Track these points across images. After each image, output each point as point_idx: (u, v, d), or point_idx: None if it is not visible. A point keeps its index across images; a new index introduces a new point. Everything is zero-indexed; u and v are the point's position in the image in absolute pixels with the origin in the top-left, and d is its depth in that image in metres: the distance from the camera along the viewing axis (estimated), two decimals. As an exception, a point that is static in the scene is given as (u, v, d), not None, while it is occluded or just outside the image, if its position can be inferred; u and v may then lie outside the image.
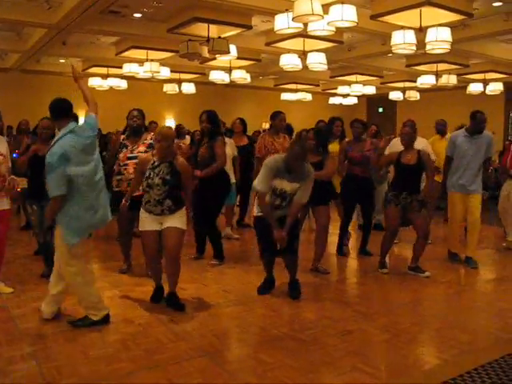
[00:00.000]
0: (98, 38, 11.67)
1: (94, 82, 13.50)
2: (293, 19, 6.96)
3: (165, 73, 12.58)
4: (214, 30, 8.89)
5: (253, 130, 12.40)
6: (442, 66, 12.29)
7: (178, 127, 10.39)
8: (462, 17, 8.10)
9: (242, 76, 12.77)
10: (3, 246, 5.06)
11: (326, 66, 10.64)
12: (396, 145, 6.25)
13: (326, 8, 6.97)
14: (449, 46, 8.41)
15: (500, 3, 8.73)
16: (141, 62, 11.88)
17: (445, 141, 8.04)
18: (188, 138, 10.10)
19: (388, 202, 5.81)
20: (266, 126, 14.79)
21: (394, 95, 16.27)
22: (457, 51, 10.70)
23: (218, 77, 12.76)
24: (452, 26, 8.32)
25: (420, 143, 6.45)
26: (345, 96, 17.15)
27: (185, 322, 4.27)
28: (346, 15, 7.00)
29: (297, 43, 9.71)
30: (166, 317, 4.37)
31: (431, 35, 8.09)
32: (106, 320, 4.18)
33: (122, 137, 5.72)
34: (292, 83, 16.16)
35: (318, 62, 10.22)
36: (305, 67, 10.71)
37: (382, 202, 6.23)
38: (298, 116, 15.48)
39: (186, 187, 4.65)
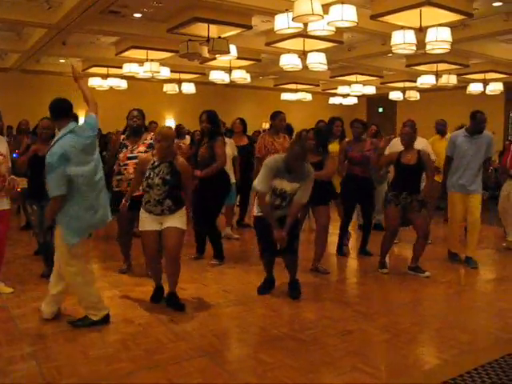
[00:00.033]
0: (97, 37, 11.67)
1: (94, 82, 13.51)
2: (293, 19, 6.95)
3: (165, 73, 12.58)
4: (214, 30, 8.89)
5: (253, 130, 12.40)
6: (442, 66, 12.29)
7: (178, 127, 10.39)
8: (462, 17, 8.10)
9: (242, 76, 12.77)
10: (3, 246, 5.06)
11: (325, 66, 10.64)
12: (396, 145, 6.25)
13: (325, 8, 6.97)
14: (449, 46, 8.40)
15: (500, 3, 8.73)
16: (141, 62, 11.88)
17: (445, 141, 8.04)
18: (188, 137, 10.11)
19: (388, 201, 5.81)
20: (266, 125, 14.79)
21: (394, 95, 16.28)
22: (457, 51, 10.70)
23: (218, 77, 12.75)
24: (452, 26, 8.32)
25: (420, 143, 6.45)
26: (345, 96, 17.15)
27: (185, 322, 4.27)
28: (346, 15, 7.00)
29: (297, 43, 9.71)
30: (166, 317, 4.37)
31: (431, 35, 8.09)
32: (105, 320, 4.18)
33: (122, 137, 5.72)
34: (292, 83, 16.16)
35: (317, 62, 10.22)
36: (305, 67, 10.71)
37: (381, 201, 6.23)
38: (298, 116, 15.48)
39: (186, 187, 4.65)
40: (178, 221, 4.51)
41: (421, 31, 7.92)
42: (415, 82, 13.83)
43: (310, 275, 5.69)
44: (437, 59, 11.43)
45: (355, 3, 7.32)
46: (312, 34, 8.02)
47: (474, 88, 14.10)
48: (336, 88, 16.66)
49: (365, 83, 15.36)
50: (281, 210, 4.85)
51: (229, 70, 12.43)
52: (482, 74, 13.61)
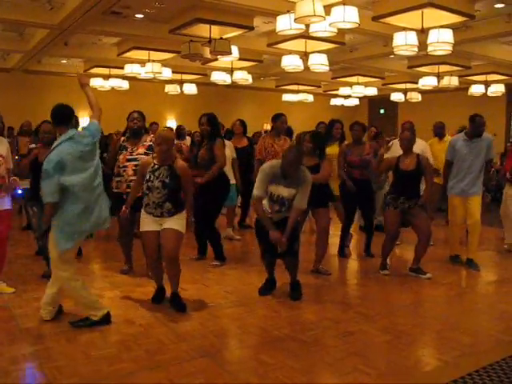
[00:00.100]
0: (99, 38, 11.70)
1: (96, 83, 13.52)
2: (295, 20, 6.96)
3: (166, 73, 12.59)
4: (215, 31, 8.91)
5: (254, 131, 12.40)
6: (443, 68, 12.29)
7: (179, 128, 10.40)
8: (464, 18, 8.12)
9: (243, 77, 12.78)
10: (5, 246, 5.07)
11: (327, 67, 10.65)
12: (396, 147, 6.26)
13: (327, 9, 6.98)
14: (450, 48, 8.41)
15: (502, 5, 8.75)
16: (142, 63, 11.90)
17: (443, 143, 8.06)
18: (188, 138, 10.12)
19: (387, 204, 5.81)
20: (268, 127, 14.81)
21: (396, 96, 16.27)
22: (458, 53, 10.71)
23: (219, 77, 12.77)
24: (454, 27, 8.33)
25: (419, 145, 6.46)
26: (346, 97, 17.14)
27: (186, 323, 4.28)
28: (348, 16, 7.00)
29: (298, 44, 9.72)
30: (168, 317, 4.37)
31: (433, 36, 8.10)
32: (106, 320, 4.19)
33: (122, 139, 5.73)
34: (293, 84, 16.17)
35: (319, 63, 10.24)
36: (306, 68, 10.72)
37: (381, 203, 6.23)
38: (300, 117, 15.50)
39: (186, 190, 4.64)
40: (176, 223, 4.52)
41: (422, 32, 7.93)
42: (417, 83, 13.83)
43: (311, 276, 5.69)
44: (438, 61, 11.44)
45: (357, 4, 7.33)
46: (314, 35, 8.02)
47: (476, 90, 14.09)
48: (337, 89, 16.66)
49: (366, 84, 15.37)
50: (281, 213, 4.88)
51: (230, 70, 12.44)
52: (484, 76, 13.62)
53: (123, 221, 4.90)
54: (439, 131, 8.25)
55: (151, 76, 12.19)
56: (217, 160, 5.97)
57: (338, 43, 9.83)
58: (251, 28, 9.06)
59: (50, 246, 4.15)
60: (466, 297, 5.30)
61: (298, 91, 16.56)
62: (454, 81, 12.85)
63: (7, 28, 10.87)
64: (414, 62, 12.46)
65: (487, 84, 13.95)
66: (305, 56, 10.01)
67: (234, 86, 14.64)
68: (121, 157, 5.57)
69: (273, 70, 14.77)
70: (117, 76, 13.63)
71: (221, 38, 9.00)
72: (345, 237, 6.77)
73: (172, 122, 16.37)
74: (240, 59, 10.76)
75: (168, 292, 4.73)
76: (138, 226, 4.93)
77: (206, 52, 9.53)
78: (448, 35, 8.05)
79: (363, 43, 11.69)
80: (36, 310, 4.39)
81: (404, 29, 8.12)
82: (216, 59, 10.97)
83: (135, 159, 5.43)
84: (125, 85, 14.00)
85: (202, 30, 8.84)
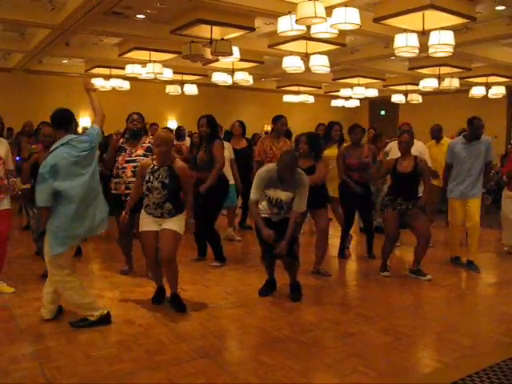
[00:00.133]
0: (101, 38, 11.71)
1: (97, 83, 13.51)
2: (296, 21, 6.97)
3: (167, 74, 12.60)
4: (216, 32, 8.92)
5: (255, 132, 12.41)
6: (444, 70, 12.31)
7: (179, 129, 10.41)
8: (465, 20, 8.13)
9: (244, 78, 12.79)
10: (5, 246, 5.08)
11: (328, 69, 10.66)
12: (395, 149, 6.26)
13: (329, 10, 6.98)
14: (451, 50, 8.41)
15: (503, 7, 8.75)
16: (143, 63, 11.92)
17: (440, 146, 8.09)
18: (188, 139, 10.12)
19: (385, 206, 5.81)
20: (268, 128, 14.81)
21: (397, 98, 16.29)
22: (459, 54, 10.72)
23: (220, 78, 12.79)
24: (455, 29, 8.34)
25: (417, 147, 6.47)
26: (347, 99, 17.16)
27: (186, 323, 4.28)
28: (349, 18, 7.01)
29: (299, 45, 9.73)
30: (168, 318, 4.37)
31: (434, 38, 8.10)
32: (105, 320, 4.19)
33: (121, 140, 5.73)
34: (294, 85, 16.20)
35: (320, 64, 10.24)
36: (307, 69, 10.73)
37: (380, 205, 6.23)
38: (300, 118, 15.52)
39: (186, 191, 4.64)
40: (175, 224, 4.52)
41: (424, 34, 7.94)
42: (418, 85, 13.83)
43: (311, 278, 5.69)
44: (439, 62, 11.45)
45: (358, 6, 7.34)
46: (315, 36, 8.03)
47: (477, 91, 14.10)
48: (338, 90, 16.69)
49: (367, 86, 15.38)
50: (280, 215, 4.90)
51: (231, 71, 12.46)
52: (485, 78, 13.63)
53: (122, 226, 4.91)
54: (436, 134, 8.27)
55: (152, 76, 12.21)
56: (216, 161, 5.98)
57: (339, 44, 9.85)
58: (252, 29, 9.07)
59: (45, 249, 4.18)
60: (466, 298, 5.30)
61: (298, 92, 16.58)
62: (454, 83, 12.86)
63: (8, 28, 10.87)
64: (415, 63, 12.47)
65: (488, 86, 13.96)
66: (306, 57, 10.03)
67: (234, 86, 14.66)
68: (120, 158, 5.58)
69: (274, 71, 14.78)
70: (118, 76, 13.65)
71: (222, 39, 9.02)
72: (345, 238, 6.76)
73: (173, 123, 16.38)
74: (241, 60, 10.78)
75: (168, 292, 4.73)
76: (137, 227, 4.92)
77: (207, 53, 9.54)
78: (449, 37, 8.06)
79: (364, 45, 11.70)
80: (36, 310, 4.40)
81: (405, 30, 8.13)
82: (217, 60, 10.98)
83: (134, 161, 5.44)
84: (126, 85, 14.02)
85: (203, 30, 8.85)
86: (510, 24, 9.31)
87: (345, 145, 7.06)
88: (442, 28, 8.05)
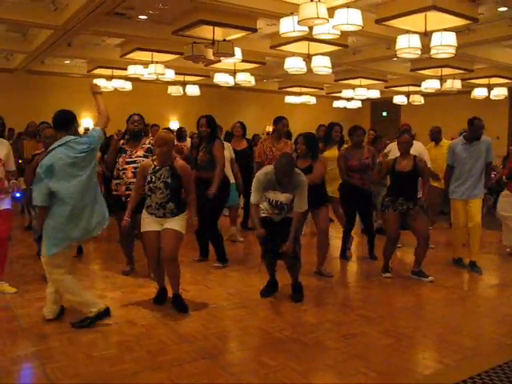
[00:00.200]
0: (103, 39, 11.71)
1: (99, 84, 13.54)
2: (298, 22, 6.97)
3: (169, 75, 12.61)
4: (219, 33, 8.92)
5: (257, 132, 12.43)
6: (446, 71, 12.31)
7: (180, 130, 10.42)
8: (467, 21, 8.13)
9: (246, 79, 12.80)
10: (5, 245, 5.09)
11: (330, 70, 10.66)
12: (395, 151, 6.26)
13: (331, 12, 6.99)
14: (453, 51, 8.41)
15: (505, 8, 8.74)
16: (145, 64, 11.92)
17: (439, 148, 8.10)
18: (189, 140, 10.13)
19: (385, 207, 5.81)
20: (270, 129, 14.82)
21: (399, 99, 16.30)
22: (461, 56, 10.72)
23: (222, 79, 12.80)
24: (457, 30, 8.34)
25: (416, 148, 6.47)
26: (349, 100, 17.17)
27: (188, 324, 4.28)
28: (352, 19, 7.01)
29: (301, 46, 9.73)
30: (169, 318, 4.38)
31: (436, 40, 8.10)
32: (105, 314, 4.18)
33: (122, 141, 5.74)
34: (296, 86, 16.20)
35: (322, 65, 10.25)
36: (309, 70, 10.73)
37: (380, 206, 6.23)
38: (302, 119, 15.54)
39: (188, 189, 4.64)
40: (176, 223, 4.52)
41: (426, 35, 7.94)
42: (419, 86, 13.84)
43: (313, 279, 5.69)
44: (441, 64, 11.46)
45: (360, 7, 7.35)
46: (317, 37, 8.04)
47: (479, 93, 14.10)
48: (340, 91, 16.68)
49: (369, 87, 15.39)
50: (281, 215, 4.91)
51: (233, 72, 12.46)
52: (487, 79, 13.63)
53: (124, 228, 4.91)
54: (436, 136, 8.29)
55: (154, 77, 12.21)
56: (216, 162, 5.99)
57: (341, 45, 9.86)
58: (254, 30, 9.07)
59: (42, 250, 4.20)
60: (468, 300, 5.29)
61: (300, 93, 16.58)
62: (456, 84, 12.86)
63: (11, 28, 10.89)
64: (417, 64, 12.47)
65: (490, 87, 13.96)
66: (308, 58, 10.03)
67: (236, 87, 14.66)
68: (120, 159, 5.58)
69: (276, 72, 14.78)
70: (120, 77, 13.67)
71: (224, 40, 9.03)
72: (346, 239, 6.76)
73: (175, 124, 16.39)
74: (243, 61, 10.77)
75: (170, 293, 4.74)
76: (138, 228, 4.92)
77: (209, 53, 9.55)
78: (451, 38, 8.06)
79: (366, 46, 11.70)
80: (38, 310, 4.41)
81: (407, 32, 8.13)
82: (219, 61, 10.99)
83: (134, 162, 5.45)
84: (128, 86, 14.04)
85: (205, 31, 8.85)
86: (511, 25, 9.30)
87: (345, 146, 7.05)
88: (444, 29, 8.05)
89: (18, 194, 5.29)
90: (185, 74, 13.88)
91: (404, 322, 4.46)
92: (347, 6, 7.10)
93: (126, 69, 12.51)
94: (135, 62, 12.19)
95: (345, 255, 6.72)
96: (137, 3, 8.80)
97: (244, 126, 8.25)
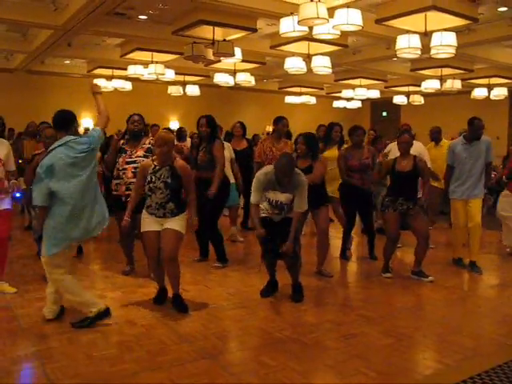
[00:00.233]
0: (103, 39, 11.72)
1: (99, 84, 13.53)
2: (298, 22, 6.97)
3: (169, 75, 12.62)
4: (218, 33, 8.92)
5: (257, 132, 12.43)
6: (446, 71, 12.31)
7: (180, 130, 10.43)
8: (467, 21, 8.13)
9: (246, 79, 12.80)
10: (5, 245, 5.09)
11: (330, 70, 10.66)
12: (395, 150, 6.26)
13: (331, 12, 6.99)
14: (454, 51, 8.41)
15: (505, 8, 8.75)
16: (145, 64, 11.93)
17: (439, 148, 8.10)
18: (189, 140, 10.14)
19: (386, 207, 5.80)
20: (270, 129, 14.83)
21: (399, 99, 16.30)
22: (461, 56, 10.72)
23: (222, 79, 12.80)
24: (457, 30, 8.34)
25: (416, 148, 6.47)
26: (349, 100, 17.18)
27: (188, 324, 4.28)
28: (352, 19, 7.01)
29: (301, 46, 9.73)
30: (169, 318, 4.37)
31: (436, 40, 8.10)
32: (105, 314, 4.18)
33: (122, 141, 5.73)
34: (296, 86, 16.20)
35: (322, 65, 10.25)
36: (309, 70, 10.73)
37: (380, 206, 6.23)
38: (302, 119, 15.54)
39: (188, 189, 4.65)
40: (176, 223, 4.52)
41: (426, 36, 7.94)
42: (419, 86, 13.85)
43: (313, 279, 5.69)
44: (441, 64, 11.46)
45: (360, 7, 7.35)
46: (317, 37, 8.04)
47: (479, 93, 14.10)
48: (340, 91, 16.68)
49: (369, 87, 15.39)
50: (281, 215, 4.91)
51: (233, 72, 12.46)
52: (487, 79, 13.64)
53: (124, 228, 4.92)
54: (436, 136, 8.29)
55: (154, 77, 12.22)
56: (217, 162, 5.99)
57: (341, 45, 9.86)
58: (254, 30, 9.07)
59: (42, 250, 4.21)
60: (468, 300, 5.29)
61: (300, 93, 16.59)
62: (456, 84, 12.87)
63: (11, 28, 10.89)
64: (417, 64, 12.47)
65: (490, 87, 13.97)
66: (308, 58, 10.03)
67: (236, 87, 14.66)
68: (120, 160, 5.58)
69: (276, 72, 14.79)
70: (120, 77, 13.67)
71: (224, 40, 9.03)
72: (346, 239, 6.76)
73: (175, 124, 16.40)
74: (243, 61, 10.78)
75: (170, 293, 4.74)
76: (138, 228, 4.91)
77: (209, 54, 9.55)
78: (451, 38, 8.06)
79: (366, 46, 11.70)
80: (38, 310, 4.41)
81: (407, 32, 8.13)
82: (219, 61, 10.99)
83: (134, 162, 5.44)
84: (128, 86, 14.05)
85: (206, 31, 8.85)
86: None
87: (345, 146, 7.05)
88: (445, 29, 8.05)
89: (17, 194, 5.30)
90: (185, 74, 13.88)
91: (404, 322, 4.46)
92: (347, 5, 7.10)
93: (126, 69, 12.52)
94: (135, 62, 12.19)
95: (345, 255, 6.72)
96: (137, 3, 8.81)
97: (244, 126, 8.25)
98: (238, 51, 9.70)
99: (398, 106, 18.14)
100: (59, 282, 4.16)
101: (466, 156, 6.18)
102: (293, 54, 10.34)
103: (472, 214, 6.16)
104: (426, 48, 8.40)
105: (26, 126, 9.16)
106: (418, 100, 15.77)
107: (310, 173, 5.40)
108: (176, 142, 7.59)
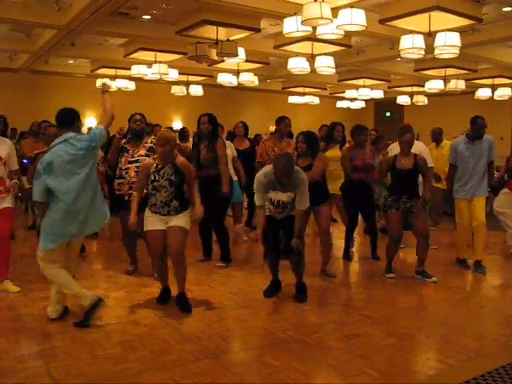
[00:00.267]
0: (106, 39, 11.73)
1: (108, 83, 13.54)
2: (302, 23, 6.97)
3: (173, 75, 12.62)
4: (222, 33, 8.93)
5: (260, 132, 12.42)
6: (450, 71, 12.29)
7: (182, 130, 10.43)
8: (471, 22, 8.12)
9: (249, 79, 12.81)
10: (7, 243, 5.11)
11: (333, 70, 10.66)
12: (396, 151, 6.26)
13: (335, 12, 6.99)
14: (457, 51, 8.40)
15: (509, 8, 8.72)
16: (149, 64, 11.94)
17: (440, 149, 8.09)
18: (191, 140, 10.13)
19: (388, 207, 5.80)
20: (273, 129, 14.81)
21: (402, 99, 16.27)
22: (465, 56, 10.70)
23: (225, 79, 12.81)
24: (461, 30, 8.32)
25: (417, 147, 6.46)
26: (352, 100, 17.16)
27: (191, 324, 4.28)
28: (355, 19, 7.01)
29: (305, 46, 9.73)
30: (173, 318, 4.38)
31: (440, 40, 8.09)
32: (99, 303, 4.15)
33: (123, 141, 5.74)
34: (300, 86, 16.18)
35: (326, 65, 10.25)
36: (313, 70, 10.72)
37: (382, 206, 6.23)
38: (305, 119, 15.50)
39: (190, 184, 4.68)
40: (182, 220, 4.55)
41: (430, 36, 7.92)
42: (423, 86, 13.83)
43: (316, 279, 5.68)
44: (445, 64, 11.44)
45: (364, 7, 7.34)
46: (320, 37, 8.04)
47: (482, 93, 14.07)
48: (344, 92, 16.67)
49: (372, 87, 15.37)
50: (284, 213, 4.92)
51: (237, 72, 12.46)
52: (491, 79, 13.60)
53: (126, 227, 4.92)
54: (437, 137, 8.29)
55: (158, 77, 12.23)
56: (220, 160, 6.00)
57: (344, 46, 9.85)
58: (258, 30, 9.08)
59: (39, 245, 4.25)
60: (471, 301, 5.29)
61: (304, 93, 16.58)
62: (460, 84, 12.85)
63: (15, 28, 10.90)
64: (421, 65, 12.44)
65: (494, 88, 13.93)
66: (311, 58, 10.03)
67: (240, 87, 14.66)
68: (122, 159, 5.59)
69: (279, 72, 14.78)
70: (123, 77, 13.68)
71: (227, 40, 9.03)
72: (349, 239, 6.76)
73: (178, 124, 16.41)
74: (246, 61, 10.78)
75: (174, 292, 4.75)
76: (141, 227, 4.91)
77: (213, 54, 9.55)
78: (455, 38, 8.04)
79: (370, 46, 11.69)
80: (42, 310, 4.42)
81: (411, 32, 8.13)
82: (222, 61, 10.99)
83: (137, 161, 5.45)
84: (131, 86, 14.05)
85: (209, 31, 8.86)
86: (516, 25, 9.30)
87: (347, 145, 7.05)
88: (448, 29, 8.04)
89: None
90: (188, 74, 13.88)
91: (407, 323, 4.46)
92: (351, 6, 7.10)
93: (129, 69, 12.54)
94: (139, 62, 12.21)
95: (348, 255, 6.72)
96: (140, 3, 8.81)
97: (246, 126, 8.25)
98: (241, 51, 9.70)
99: (402, 107, 18.11)
100: (53, 276, 4.20)
101: (468, 155, 6.18)
102: (296, 54, 10.34)
103: (476, 213, 6.15)
104: (429, 48, 8.38)
105: (30, 126, 9.19)
106: (422, 100, 15.74)
107: (310, 171, 5.41)
108: (178, 142, 7.59)
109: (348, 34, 8.53)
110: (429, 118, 15.31)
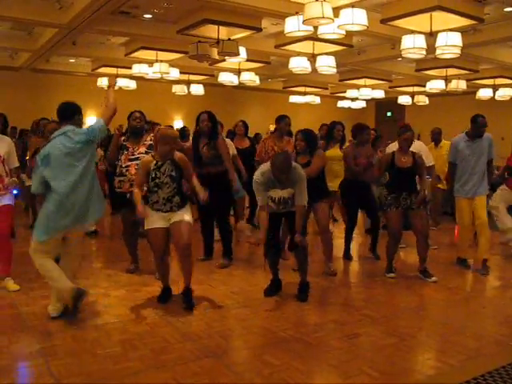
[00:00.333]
0: (107, 38, 11.72)
1: (103, 82, 13.57)
2: (303, 22, 6.97)
3: (174, 74, 12.62)
4: (223, 32, 8.92)
5: (261, 132, 12.42)
6: (451, 71, 12.28)
7: (182, 129, 10.43)
8: (473, 22, 8.10)
9: (250, 78, 12.80)
10: (7, 241, 5.12)
11: (335, 70, 10.65)
12: (394, 149, 6.26)
13: (336, 11, 6.98)
14: (459, 51, 8.39)
15: (511, 8, 8.70)
16: (150, 63, 11.94)
17: (439, 149, 8.09)
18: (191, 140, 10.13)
19: (388, 205, 5.80)
20: (273, 128, 14.81)
21: (403, 99, 16.26)
22: (467, 56, 10.69)
23: (226, 78, 12.80)
24: (462, 30, 8.31)
25: (416, 146, 6.48)
26: (353, 100, 17.14)
27: (192, 323, 4.29)
28: (357, 19, 7.01)
29: (306, 46, 9.72)
30: (173, 317, 4.39)
31: (441, 40, 8.08)
32: (80, 294, 4.13)
33: (123, 138, 5.73)
34: (301, 86, 16.17)
35: (327, 65, 10.24)
36: (314, 70, 10.72)
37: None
38: (306, 119, 15.46)
39: (189, 177, 4.73)
40: (185, 215, 4.59)
41: (431, 36, 7.92)
42: (424, 86, 13.82)
43: (316, 278, 5.67)
44: (446, 64, 11.42)
45: (366, 7, 7.34)
46: (322, 37, 8.03)
47: (484, 93, 14.06)
48: (345, 91, 16.66)
49: (374, 87, 15.36)
50: (286, 209, 4.93)
51: (238, 71, 12.47)
52: (492, 80, 13.59)
53: (126, 221, 4.90)
54: (436, 137, 8.29)
55: (159, 76, 12.23)
56: (224, 158, 6.06)
57: (345, 45, 9.84)
58: (259, 29, 9.07)
59: (33, 236, 4.28)
60: (471, 301, 5.29)
61: (305, 93, 16.57)
62: (461, 84, 12.83)
63: (16, 27, 10.89)
64: (422, 65, 12.44)
65: (495, 88, 13.92)
66: (312, 58, 10.02)
67: (241, 87, 14.66)
68: (122, 157, 5.58)
69: (280, 72, 14.77)
70: (124, 76, 13.67)
71: (229, 39, 9.03)
72: (349, 238, 6.76)
73: (179, 123, 16.41)
74: (247, 60, 10.78)
75: (175, 291, 4.76)
76: (142, 225, 4.92)
77: (214, 53, 9.56)
78: (456, 38, 8.03)
79: (371, 46, 11.68)
80: (42, 308, 4.43)
81: (412, 32, 8.12)
82: (223, 60, 10.99)
83: (137, 158, 5.43)
84: (132, 85, 14.04)
85: (210, 30, 8.86)
86: (517, 26, 9.29)
87: (347, 144, 7.05)
88: (450, 29, 8.03)
89: (15, 191, 5.34)
90: (189, 73, 13.88)
91: (407, 322, 4.46)
92: (352, 5, 7.09)
93: (130, 67, 12.53)
94: (140, 61, 12.21)
95: (348, 255, 6.72)
96: (142, 2, 8.81)
97: (246, 125, 8.26)
98: (242, 50, 9.70)
99: (403, 106, 18.10)
100: (40, 266, 4.23)
101: (469, 153, 6.17)
102: (297, 54, 10.34)
103: (478, 212, 6.14)
104: (431, 48, 8.37)
105: (32, 124, 9.22)
106: (423, 100, 15.74)
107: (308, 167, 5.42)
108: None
109: (349, 34, 8.52)
110: (430, 118, 15.30)
